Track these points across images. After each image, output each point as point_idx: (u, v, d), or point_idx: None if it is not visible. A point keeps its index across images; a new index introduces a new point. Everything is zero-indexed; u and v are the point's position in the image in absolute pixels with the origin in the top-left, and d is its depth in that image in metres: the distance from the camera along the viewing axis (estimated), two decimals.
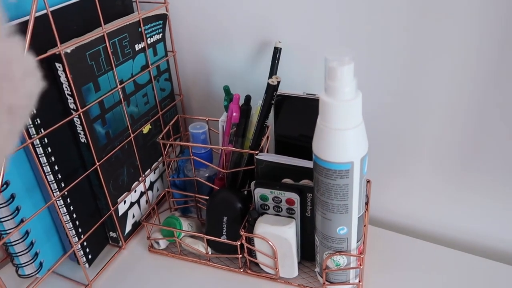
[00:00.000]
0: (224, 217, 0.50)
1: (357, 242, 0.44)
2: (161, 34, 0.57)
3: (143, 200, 0.59)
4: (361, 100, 0.36)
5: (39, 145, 0.43)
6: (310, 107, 0.48)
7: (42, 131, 0.43)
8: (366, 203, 0.49)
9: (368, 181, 0.52)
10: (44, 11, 0.40)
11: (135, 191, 0.57)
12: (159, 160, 0.62)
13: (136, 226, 0.59)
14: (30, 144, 0.41)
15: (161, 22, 0.57)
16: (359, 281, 0.46)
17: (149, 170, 0.60)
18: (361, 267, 0.45)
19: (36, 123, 0.42)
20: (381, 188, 0.56)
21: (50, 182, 0.45)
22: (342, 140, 0.37)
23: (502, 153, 0.48)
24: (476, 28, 0.43)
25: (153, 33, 0.55)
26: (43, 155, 0.43)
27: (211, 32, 0.59)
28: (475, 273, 0.50)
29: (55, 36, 0.40)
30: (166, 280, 0.52)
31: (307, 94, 0.48)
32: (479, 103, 0.47)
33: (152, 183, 0.61)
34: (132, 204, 0.57)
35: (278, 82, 0.47)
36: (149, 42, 0.55)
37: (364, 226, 0.46)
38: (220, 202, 0.50)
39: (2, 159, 0.23)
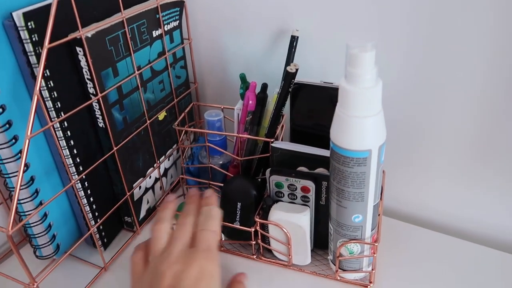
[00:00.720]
0: (238, 204, 0.50)
1: (371, 231, 0.44)
2: (177, 21, 0.58)
3: (157, 187, 0.60)
4: (381, 88, 0.37)
5: (59, 129, 0.43)
6: (327, 96, 0.48)
7: (62, 114, 0.43)
8: (381, 193, 0.49)
9: (382, 172, 0.52)
10: None
11: (150, 177, 0.58)
12: (174, 147, 0.62)
13: (151, 211, 0.59)
14: (51, 127, 0.42)
15: (178, 9, 0.57)
16: (372, 269, 0.47)
17: (163, 156, 0.60)
18: (375, 255, 0.45)
19: (57, 106, 0.42)
20: (394, 178, 0.56)
21: (69, 165, 0.45)
22: (361, 127, 0.37)
23: None
24: (502, 18, 0.43)
25: (170, 20, 0.56)
26: (62, 138, 0.44)
27: (228, 20, 0.59)
28: (488, 265, 0.50)
29: (77, 20, 0.41)
30: None
31: (324, 82, 0.48)
32: (500, 96, 0.46)
33: (166, 170, 0.62)
34: (146, 190, 0.58)
35: (297, 70, 0.47)
36: (166, 29, 0.55)
37: (378, 215, 0.46)
38: (235, 189, 0.50)
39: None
